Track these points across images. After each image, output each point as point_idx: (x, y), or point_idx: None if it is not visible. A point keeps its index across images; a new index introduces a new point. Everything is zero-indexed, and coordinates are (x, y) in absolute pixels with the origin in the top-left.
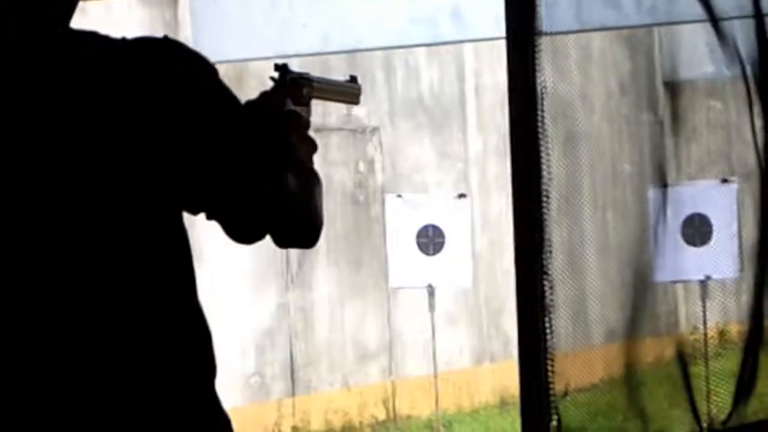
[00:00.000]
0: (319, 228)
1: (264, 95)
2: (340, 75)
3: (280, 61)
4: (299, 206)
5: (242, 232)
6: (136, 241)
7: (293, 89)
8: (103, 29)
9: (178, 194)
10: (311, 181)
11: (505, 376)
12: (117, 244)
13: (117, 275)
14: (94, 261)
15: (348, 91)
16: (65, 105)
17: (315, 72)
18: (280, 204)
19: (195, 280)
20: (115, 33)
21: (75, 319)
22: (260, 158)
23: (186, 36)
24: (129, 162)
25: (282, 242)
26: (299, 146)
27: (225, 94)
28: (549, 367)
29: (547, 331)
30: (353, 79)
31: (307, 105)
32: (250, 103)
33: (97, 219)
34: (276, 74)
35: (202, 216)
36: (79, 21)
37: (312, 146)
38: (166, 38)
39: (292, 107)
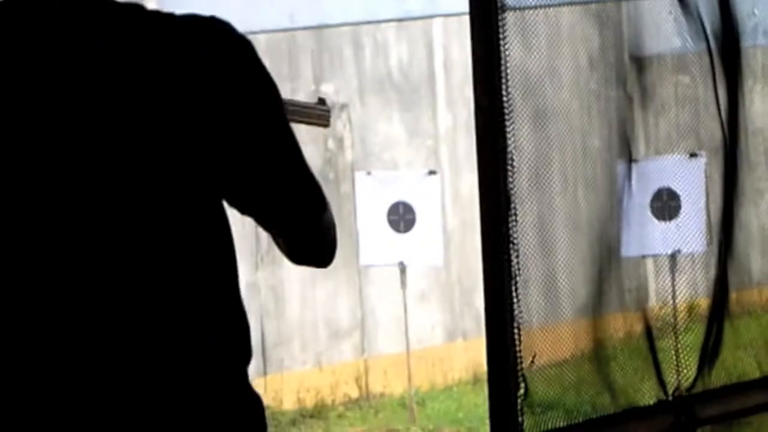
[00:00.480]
0: (335, 249)
1: None
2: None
3: None
4: (332, 234)
5: (286, 233)
6: (181, 225)
7: None
8: None
9: (224, 185)
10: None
11: (477, 353)
12: (161, 226)
13: (159, 261)
14: (137, 245)
15: (317, 113)
16: (113, 80)
17: (282, 50)
18: (317, 223)
19: (236, 270)
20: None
21: (119, 304)
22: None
23: None
24: (177, 146)
25: (300, 261)
26: None
27: (273, 86)
28: (516, 340)
29: (515, 303)
30: (321, 101)
31: None
32: None
33: (142, 201)
34: None
35: None
36: None
37: None
38: (214, 19)
39: None
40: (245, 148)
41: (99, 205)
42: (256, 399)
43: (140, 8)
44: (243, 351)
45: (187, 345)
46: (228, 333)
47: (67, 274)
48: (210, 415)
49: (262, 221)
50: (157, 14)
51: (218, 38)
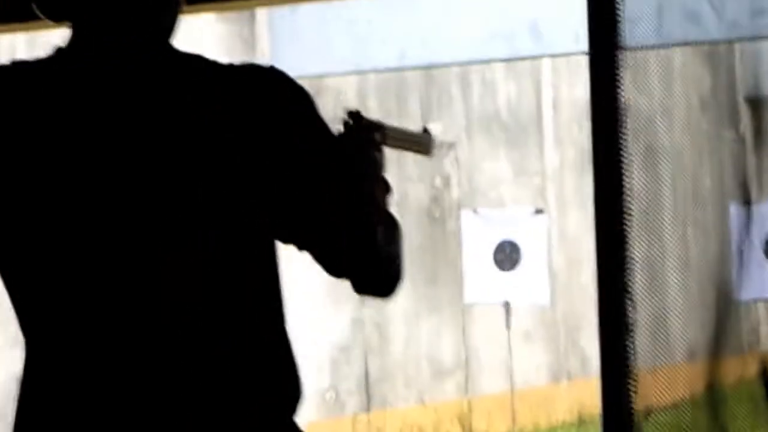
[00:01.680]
0: (399, 281)
1: (342, 138)
2: (416, 90)
3: (353, 109)
4: (386, 258)
5: (332, 264)
6: (228, 261)
7: (366, 134)
8: (182, 45)
9: (271, 220)
10: (396, 233)
11: (582, 393)
12: (208, 262)
13: (205, 293)
14: (186, 278)
15: (420, 141)
16: (167, 125)
17: (391, 88)
18: (368, 250)
19: (283, 305)
20: (193, 49)
21: (162, 335)
22: (352, 196)
23: (263, 51)
24: (225, 184)
25: (361, 290)
26: (377, 191)
27: (324, 130)
28: (630, 386)
29: (629, 349)
30: (426, 130)
31: (380, 151)
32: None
33: (191, 238)
34: (350, 120)
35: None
36: None
37: (387, 189)
38: (272, 68)
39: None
40: (293, 182)
41: (153, 239)
42: None
43: (201, 58)
44: (286, 388)
45: (225, 379)
46: (269, 368)
47: (121, 302)
48: None
49: (319, 251)
50: (213, 62)
51: (271, 84)
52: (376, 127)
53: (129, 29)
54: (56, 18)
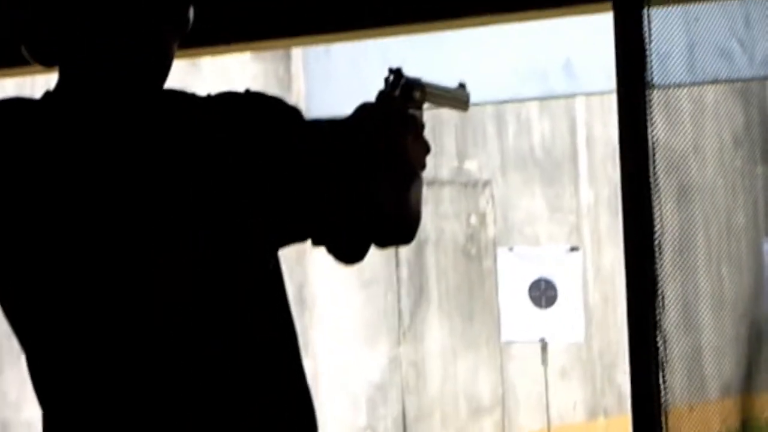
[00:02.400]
0: (415, 226)
1: (384, 96)
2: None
3: (393, 65)
4: (395, 209)
5: (345, 251)
6: (232, 294)
7: (407, 92)
8: (218, 85)
9: (274, 232)
10: (408, 180)
11: (618, 430)
12: (212, 296)
13: (212, 328)
14: (190, 316)
15: (458, 98)
16: (157, 161)
17: (427, 126)
18: (376, 213)
19: (295, 341)
20: (230, 88)
21: (166, 371)
22: (351, 172)
23: (299, 90)
24: (222, 211)
25: (380, 245)
26: (415, 148)
27: (303, 126)
28: (663, 424)
29: (662, 386)
30: (462, 86)
31: (420, 108)
32: (369, 104)
33: (194, 272)
34: (390, 76)
35: (314, 270)
36: (193, 77)
37: (426, 148)
38: (247, 91)
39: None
40: (286, 188)
41: (156, 276)
42: None
43: (184, 94)
44: (299, 423)
45: (232, 414)
46: (280, 404)
47: (126, 337)
48: None
49: (330, 242)
50: (192, 95)
51: (244, 104)
52: (417, 85)
53: (117, 73)
54: (45, 62)
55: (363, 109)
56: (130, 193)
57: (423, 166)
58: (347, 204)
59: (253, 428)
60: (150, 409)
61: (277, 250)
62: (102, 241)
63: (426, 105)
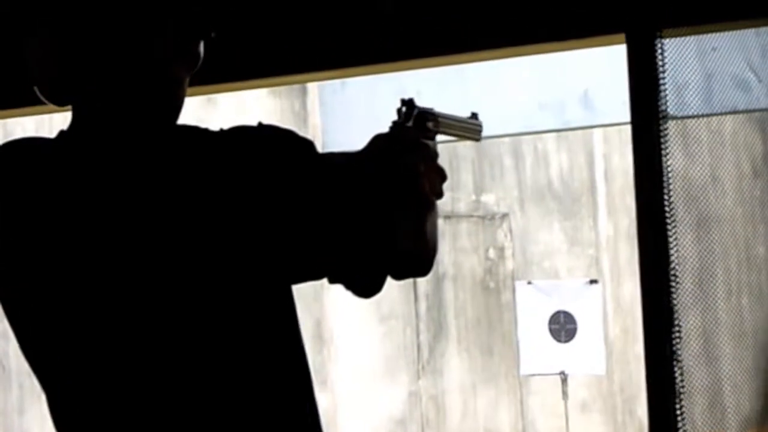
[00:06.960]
0: (432, 257)
1: (397, 126)
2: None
3: (406, 96)
4: (412, 242)
5: (362, 285)
6: (236, 329)
7: (420, 123)
8: (234, 120)
9: (283, 268)
10: (424, 211)
11: None
12: (221, 329)
13: (214, 360)
14: (198, 344)
15: (470, 127)
16: (168, 198)
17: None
18: (392, 247)
19: (306, 367)
20: (246, 122)
21: (171, 402)
22: (365, 205)
23: (315, 124)
24: (230, 246)
25: (397, 278)
26: (430, 176)
27: (316, 159)
28: None
29: (679, 419)
30: (474, 115)
31: (433, 139)
32: (383, 134)
33: (202, 305)
34: (403, 107)
35: (331, 306)
36: (209, 112)
37: (442, 176)
38: (259, 123)
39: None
40: (296, 225)
41: (162, 309)
42: None
43: (198, 129)
44: None
45: None
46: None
47: (128, 366)
48: None
49: (346, 277)
50: (205, 130)
51: (255, 137)
52: (430, 115)
53: (129, 111)
54: (58, 102)
55: (377, 140)
56: (140, 229)
57: (439, 194)
58: (362, 238)
59: None
60: None
61: (288, 284)
62: (112, 278)
63: (439, 136)
